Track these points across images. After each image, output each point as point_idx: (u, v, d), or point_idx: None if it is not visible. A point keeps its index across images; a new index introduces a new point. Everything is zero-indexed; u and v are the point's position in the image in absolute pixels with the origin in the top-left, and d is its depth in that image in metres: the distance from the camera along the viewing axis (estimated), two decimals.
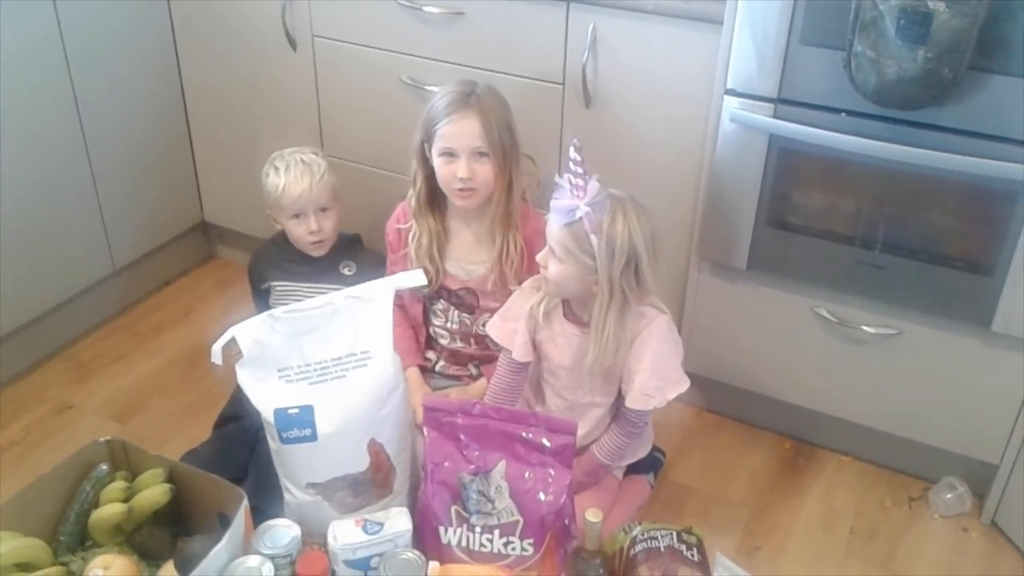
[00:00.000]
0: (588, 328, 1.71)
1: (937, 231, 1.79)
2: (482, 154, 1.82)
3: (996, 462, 1.90)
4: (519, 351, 1.81)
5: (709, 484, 2.05)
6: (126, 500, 1.62)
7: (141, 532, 1.64)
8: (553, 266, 1.68)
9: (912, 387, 1.92)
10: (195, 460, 1.85)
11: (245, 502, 1.55)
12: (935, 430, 1.95)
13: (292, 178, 2.01)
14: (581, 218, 1.61)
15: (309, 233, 2.04)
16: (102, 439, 1.69)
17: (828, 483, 2.06)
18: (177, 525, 1.67)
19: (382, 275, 2.05)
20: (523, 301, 1.81)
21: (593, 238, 1.61)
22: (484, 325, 1.95)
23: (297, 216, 2.04)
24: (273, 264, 2.12)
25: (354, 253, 2.12)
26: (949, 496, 1.98)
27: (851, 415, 2.03)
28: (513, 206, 1.89)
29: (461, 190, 1.85)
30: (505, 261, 1.90)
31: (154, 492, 1.64)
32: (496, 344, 1.86)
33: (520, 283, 1.90)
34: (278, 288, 2.10)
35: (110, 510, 1.61)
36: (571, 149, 1.60)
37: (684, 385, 1.74)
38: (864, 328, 1.90)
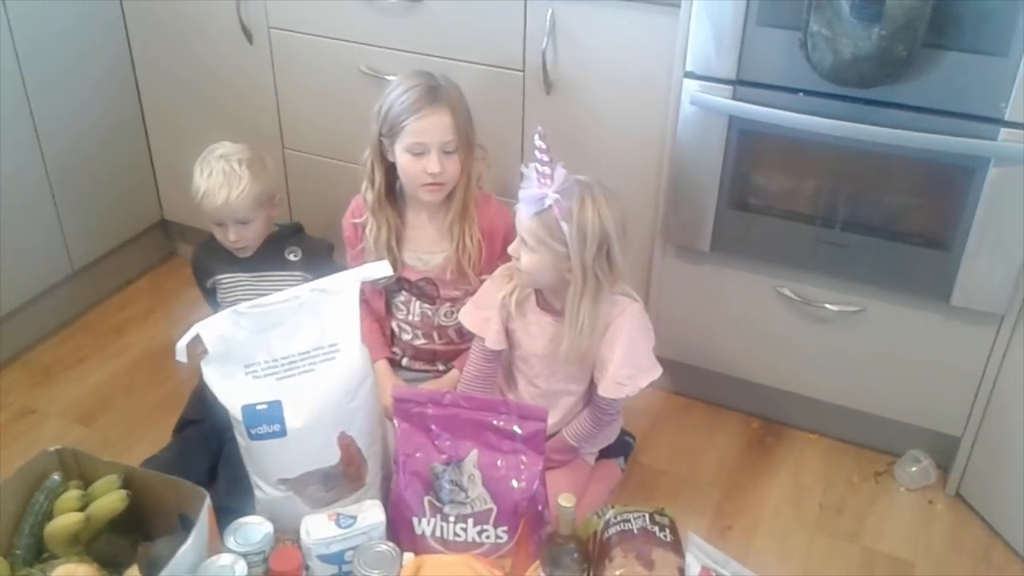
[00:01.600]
0: (561, 316, 1.72)
1: (896, 208, 1.82)
2: (451, 149, 1.81)
3: (959, 434, 1.94)
4: (492, 339, 1.81)
5: (679, 466, 2.07)
6: (82, 509, 1.59)
7: (99, 540, 1.60)
8: (525, 256, 1.68)
9: (875, 363, 1.95)
10: (155, 466, 1.82)
11: (207, 501, 1.53)
12: (899, 405, 1.98)
13: (211, 187, 1.96)
14: (551, 206, 1.61)
15: (228, 241, 2.01)
16: (52, 448, 1.64)
17: (796, 461, 2.09)
18: (136, 531, 1.63)
19: (328, 259, 2.08)
20: (495, 289, 1.81)
21: (564, 225, 1.61)
22: (446, 316, 1.96)
23: (217, 223, 2.01)
24: (216, 258, 2.07)
25: (298, 240, 2.08)
26: (914, 469, 2.01)
27: (817, 393, 2.05)
28: (470, 195, 1.89)
29: (430, 185, 1.84)
30: (462, 252, 1.89)
31: (110, 499, 1.60)
32: (460, 336, 1.86)
33: (479, 272, 1.89)
34: (224, 281, 2.05)
35: (66, 520, 1.57)
36: (536, 137, 1.60)
37: (656, 373, 1.75)
38: (827, 306, 1.92)
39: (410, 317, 1.99)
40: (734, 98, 1.77)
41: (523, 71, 1.99)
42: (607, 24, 1.87)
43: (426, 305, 1.97)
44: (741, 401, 2.19)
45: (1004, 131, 1.61)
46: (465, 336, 1.92)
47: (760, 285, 1.96)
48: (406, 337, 2.01)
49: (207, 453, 1.86)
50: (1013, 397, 1.80)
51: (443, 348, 2.01)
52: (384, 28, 2.09)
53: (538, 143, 1.60)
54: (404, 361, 2.04)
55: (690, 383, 2.21)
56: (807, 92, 1.71)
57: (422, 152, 1.80)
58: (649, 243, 2.03)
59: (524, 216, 1.66)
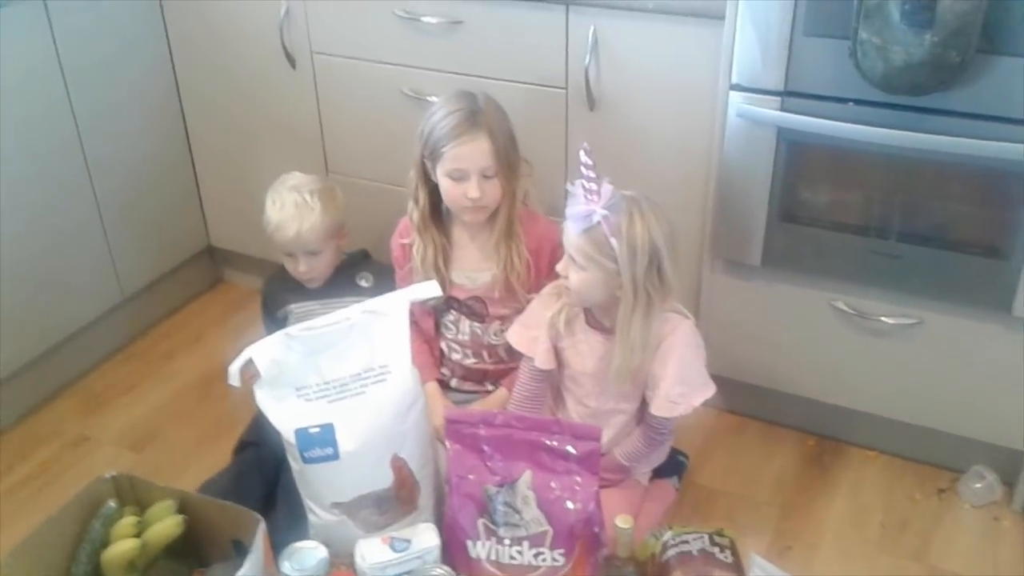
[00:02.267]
0: (611, 334, 1.70)
1: (951, 217, 1.78)
2: (491, 174, 1.81)
3: (1023, 448, 1.88)
4: (541, 359, 1.80)
5: (735, 485, 2.03)
6: (138, 535, 1.58)
7: (156, 567, 1.59)
8: (575, 275, 1.66)
9: (935, 376, 1.90)
10: (213, 489, 1.82)
11: (262, 526, 1.52)
12: (960, 419, 1.93)
13: (283, 219, 1.99)
14: (599, 223, 1.59)
15: (298, 272, 2.03)
16: (107, 475, 1.64)
17: (855, 479, 2.04)
18: (192, 557, 1.63)
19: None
20: (542, 308, 1.80)
21: (613, 241, 1.60)
22: (495, 335, 1.94)
23: (288, 254, 2.04)
24: (288, 288, 2.09)
25: (367, 266, 2.11)
26: (978, 485, 1.95)
27: (874, 408, 2.01)
28: (515, 214, 1.88)
29: (471, 208, 1.84)
30: (510, 270, 1.88)
31: (166, 525, 1.59)
32: (509, 354, 1.84)
33: (528, 290, 1.88)
34: (297, 311, 2.07)
35: (122, 546, 1.56)
36: (581, 153, 1.58)
37: (710, 391, 1.72)
38: (883, 319, 1.88)
39: (459, 336, 1.98)
40: (782, 109, 1.74)
41: (566, 88, 1.98)
42: (650, 39, 1.86)
43: (475, 324, 1.96)
44: (796, 418, 2.14)
45: None
46: (515, 355, 1.90)
47: (813, 299, 1.93)
48: (456, 357, 2.00)
49: (263, 477, 1.85)
50: None
51: (493, 367, 1.99)
52: (425, 49, 2.09)
53: (584, 159, 1.58)
54: (453, 383, 2.02)
55: (743, 400, 2.17)
56: (857, 101, 1.68)
57: (462, 177, 1.81)
58: (698, 259, 2.00)
59: (572, 233, 1.64)
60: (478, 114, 1.80)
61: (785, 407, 2.12)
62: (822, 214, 1.87)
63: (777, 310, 1.98)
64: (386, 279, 2.04)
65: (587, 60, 1.91)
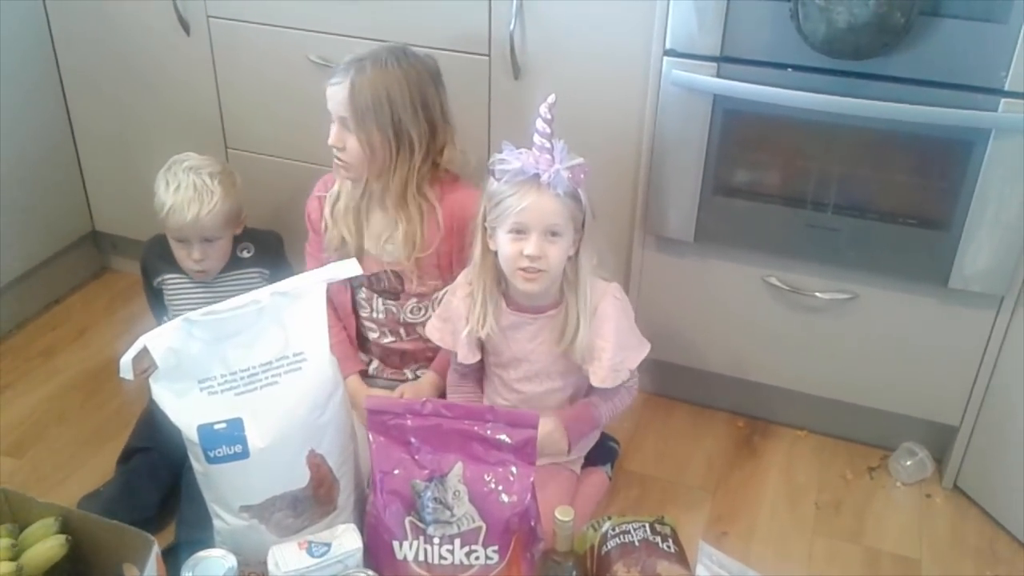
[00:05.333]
0: (538, 313, 1.64)
1: (891, 188, 1.73)
2: (344, 123, 1.69)
3: (956, 424, 1.87)
4: (463, 353, 1.70)
5: (667, 470, 1.96)
6: (13, 559, 1.39)
7: None
8: (554, 249, 1.55)
9: (868, 352, 1.87)
10: (98, 502, 1.67)
11: (155, 549, 1.36)
12: (893, 396, 1.90)
13: (179, 201, 1.81)
14: (569, 179, 1.52)
15: (191, 260, 1.86)
16: None
17: (786, 459, 2.00)
18: None
19: (281, 252, 1.97)
20: (459, 303, 1.69)
21: (581, 192, 1.54)
22: (412, 312, 1.83)
23: (180, 240, 1.86)
24: (165, 258, 1.92)
25: (246, 235, 1.95)
26: (909, 463, 1.94)
27: (805, 386, 1.97)
28: (414, 176, 1.72)
29: (336, 161, 1.73)
30: (419, 240, 1.75)
31: (47, 546, 1.41)
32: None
33: (447, 265, 1.77)
34: (170, 281, 1.92)
35: None
36: (543, 108, 1.51)
37: (646, 348, 1.71)
38: (817, 294, 1.83)
39: (374, 315, 1.86)
40: (719, 76, 1.67)
41: (489, 55, 1.87)
42: (579, 2, 1.76)
43: (389, 302, 1.83)
44: (725, 399, 2.09)
45: (1004, 101, 1.54)
46: None
47: (747, 275, 1.87)
48: (372, 336, 1.88)
49: (157, 485, 1.71)
50: (1014, 381, 1.73)
51: (411, 347, 1.87)
52: (336, 13, 1.94)
53: (545, 114, 1.50)
54: (372, 367, 1.90)
55: (671, 383, 2.11)
56: (796, 67, 1.62)
57: (339, 127, 1.70)
58: (628, 236, 1.92)
59: (549, 204, 1.53)
60: (355, 62, 1.68)
61: (714, 388, 2.07)
62: (758, 186, 1.81)
63: (710, 288, 1.91)
64: (267, 248, 1.95)
65: (512, 25, 1.80)
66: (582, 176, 1.55)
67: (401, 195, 1.73)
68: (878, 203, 1.73)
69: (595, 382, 1.65)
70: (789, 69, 1.63)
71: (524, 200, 1.52)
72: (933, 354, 1.81)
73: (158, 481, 1.73)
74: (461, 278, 1.71)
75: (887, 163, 1.71)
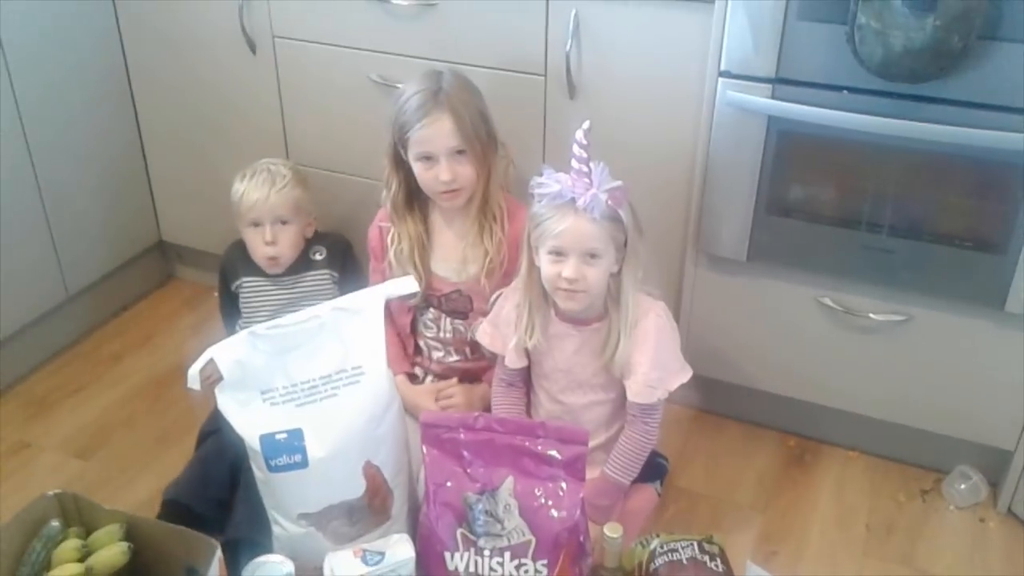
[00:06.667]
0: (584, 325, 1.66)
1: (946, 210, 1.72)
2: (460, 152, 1.73)
3: (1011, 448, 1.84)
4: (511, 357, 1.74)
5: (716, 488, 1.96)
6: (81, 559, 1.46)
7: None
8: (593, 271, 1.58)
9: (921, 375, 1.85)
10: (177, 489, 1.72)
11: (219, 553, 1.41)
12: (946, 418, 1.88)
13: (252, 184, 1.96)
14: (608, 202, 1.54)
15: (264, 244, 1.95)
16: (51, 492, 1.53)
17: (837, 480, 1.98)
18: None
19: (351, 255, 2.04)
20: (509, 310, 1.73)
21: (622, 212, 1.56)
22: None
23: (255, 225, 1.96)
24: (243, 261, 2.02)
25: (318, 239, 2.05)
26: (963, 486, 1.91)
27: (858, 407, 1.95)
28: (491, 194, 1.80)
29: (445, 192, 1.76)
30: (496, 257, 1.80)
31: (112, 552, 1.47)
32: (492, 353, 1.77)
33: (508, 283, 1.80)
34: (248, 284, 2.01)
35: (66, 571, 1.44)
36: (579, 134, 1.52)
37: (687, 375, 1.69)
38: (871, 316, 1.82)
39: (441, 335, 1.89)
40: (773, 97, 1.68)
41: (544, 75, 1.89)
42: (635, 24, 1.78)
43: (458, 321, 1.87)
44: (776, 418, 2.09)
45: None
46: None
47: (799, 295, 1.87)
48: (437, 355, 1.92)
49: (227, 466, 1.72)
50: None
51: (474, 366, 1.91)
52: (396, 34, 1.99)
53: (581, 140, 1.52)
54: (427, 381, 1.93)
55: (722, 401, 2.11)
56: (852, 89, 1.62)
57: (431, 160, 1.74)
58: (680, 254, 1.93)
59: (588, 228, 1.55)
60: (439, 93, 1.73)
61: (765, 406, 2.07)
62: (812, 207, 1.81)
63: (762, 307, 1.91)
64: (338, 250, 2.03)
65: (568, 45, 1.82)
66: (622, 198, 1.56)
67: (482, 208, 1.80)
68: (933, 225, 1.72)
69: (631, 396, 1.66)
70: (844, 91, 1.63)
71: (562, 224, 1.56)
72: (988, 377, 1.79)
73: (227, 461, 1.73)
74: (514, 286, 1.74)
75: (943, 185, 1.70)
